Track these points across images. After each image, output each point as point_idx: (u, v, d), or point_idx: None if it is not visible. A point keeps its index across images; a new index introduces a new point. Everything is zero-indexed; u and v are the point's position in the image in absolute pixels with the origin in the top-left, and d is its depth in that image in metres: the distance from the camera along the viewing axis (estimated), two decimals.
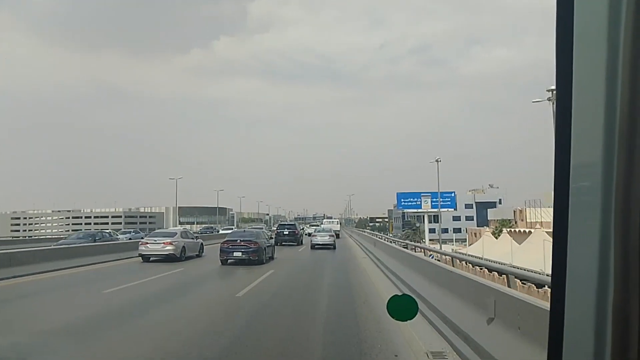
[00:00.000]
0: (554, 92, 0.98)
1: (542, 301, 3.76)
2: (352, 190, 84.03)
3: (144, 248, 15.55)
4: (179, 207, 65.84)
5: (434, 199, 49.00)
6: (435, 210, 48.32)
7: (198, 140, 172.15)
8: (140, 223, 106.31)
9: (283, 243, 26.20)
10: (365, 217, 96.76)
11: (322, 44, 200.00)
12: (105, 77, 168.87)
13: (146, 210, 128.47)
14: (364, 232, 43.30)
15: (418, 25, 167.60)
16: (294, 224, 31.21)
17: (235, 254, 14.46)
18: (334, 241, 24.71)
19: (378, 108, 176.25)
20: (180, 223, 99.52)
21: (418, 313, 2.15)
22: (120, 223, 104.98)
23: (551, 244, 0.99)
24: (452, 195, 52.43)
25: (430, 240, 48.65)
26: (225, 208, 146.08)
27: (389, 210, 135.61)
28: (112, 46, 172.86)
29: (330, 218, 75.30)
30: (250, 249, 14.47)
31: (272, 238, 19.47)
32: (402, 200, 55.00)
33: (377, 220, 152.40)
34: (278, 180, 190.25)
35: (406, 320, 2.11)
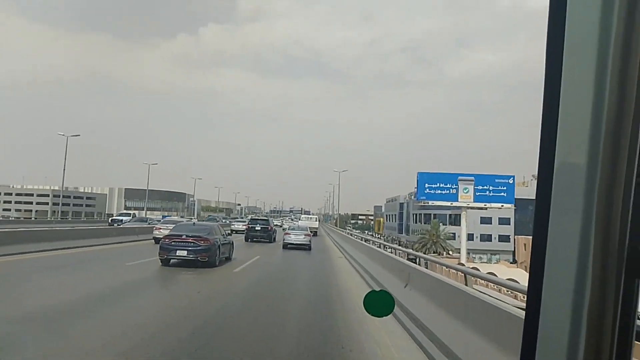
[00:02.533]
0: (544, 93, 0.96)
1: None
2: (333, 186, 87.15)
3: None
4: (125, 189, 64.87)
5: (482, 185, 37.12)
6: (481, 205, 37.63)
7: (179, 129, 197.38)
8: (75, 205, 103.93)
9: (254, 239, 28.99)
10: (346, 214, 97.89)
11: (312, 37, 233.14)
12: (88, 59, 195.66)
13: (86, 191, 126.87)
14: (343, 232, 39.78)
15: (408, 23, 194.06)
16: (267, 219, 32.91)
17: (179, 252, 14.09)
18: (310, 241, 25.43)
19: (365, 104, 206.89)
20: (127, 208, 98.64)
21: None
22: (47, 204, 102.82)
23: None
24: (510, 182, 38.46)
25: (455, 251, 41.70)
26: (185, 194, 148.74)
27: (375, 206, 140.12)
28: (98, 29, 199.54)
29: (309, 213, 78.92)
30: (199, 247, 14.09)
31: (230, 234, 19.18)
32: (427, 185, 39.65)
33: (360, 217, 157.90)
34: (260, 172, 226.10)
35: (382, 316, 2.34)
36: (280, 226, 46.68)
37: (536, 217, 1.08)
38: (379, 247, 20.36)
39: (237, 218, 57.34)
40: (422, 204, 44.91)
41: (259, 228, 29.94)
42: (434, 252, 49.50)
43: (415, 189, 79.00)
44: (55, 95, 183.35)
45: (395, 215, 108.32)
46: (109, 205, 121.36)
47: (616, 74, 0.97)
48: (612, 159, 0.98)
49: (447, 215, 72.25)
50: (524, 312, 1.12)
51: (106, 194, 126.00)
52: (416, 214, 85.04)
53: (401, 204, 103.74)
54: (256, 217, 36.79)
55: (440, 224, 65.27)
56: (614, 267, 0.99)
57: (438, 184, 39.01)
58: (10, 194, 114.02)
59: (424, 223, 76.31)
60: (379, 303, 2.34)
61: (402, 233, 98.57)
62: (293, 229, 27.08)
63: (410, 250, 22.06)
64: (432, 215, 74.02)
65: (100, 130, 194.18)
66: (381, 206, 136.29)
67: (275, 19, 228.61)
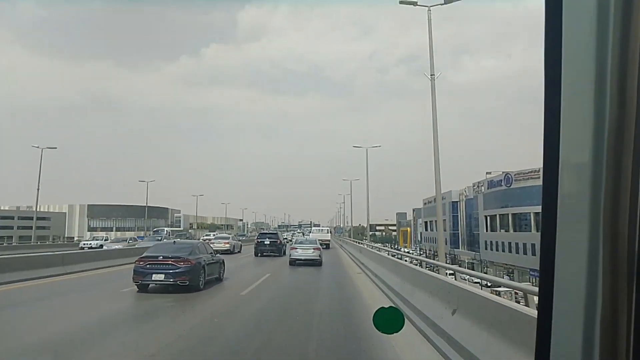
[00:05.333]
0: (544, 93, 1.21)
1: None
2: (342, 198, 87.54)
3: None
4: (88, 206, 66.33)
5: None
6: None
7: (181, 148, 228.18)
8: (20, 228, 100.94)
9: (264, 254, 33.78)
10: (360, 225, 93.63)
11: (312, 52, 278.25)
12: (93, 85, 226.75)
13: (42, 210, 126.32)
14: (363, 245, 37.44)
15: (406, 34, 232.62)
16: (276, 233, 39.60)
17: (155, 276, 14.49)
18: (320, 255, 26.61)
19: (368, 116, 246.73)
20: (91, 228, 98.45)
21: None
22: None
23: None
24: None
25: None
26: (167, 208, 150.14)
27: (397, 213, 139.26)
28: (100, 56, 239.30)
29: (319, 226, 79.51)
30: (178, 270, 14.49)
31: (218, 253, 19.71)
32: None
33: (378, 228, 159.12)
34: (265, 187, 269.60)
35: (392, 333, 2.68)
36: (289, 240, 48.44)
37: (543, 219, 1.28)
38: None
39: (214, 234, 55.16)
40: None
41: (268, 242, 34.93)
42: None
43: (487, 179, 74.11)
44: (54, 120, 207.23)
45: (444, 221, 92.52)
46: (68, 225, 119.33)
47: (615, 75, 1.15)
48: (617, 159, 1.16)
49: (531, 215, 64.30)
50: None
51: (65, 213, 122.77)
52: (490, 217, 74.77)
53: (454, 204, 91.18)
54: (265, 232, 44.51)
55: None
56: (624, 267, 1.15)
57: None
58: None
59: (505, 229, 68.48)
60: (389, 320, 2.72)
61: (458, 247, 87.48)
62: (301, 243, 28.19)
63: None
64: (511, 217, 66.44)
65: (90, 146, 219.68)
66: (405, 213, 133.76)
67: (276, 35, 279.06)
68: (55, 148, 57.16)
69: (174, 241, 18.72)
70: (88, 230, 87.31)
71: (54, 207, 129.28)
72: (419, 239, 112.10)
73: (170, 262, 14.71)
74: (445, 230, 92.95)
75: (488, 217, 75.18)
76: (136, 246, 33.27)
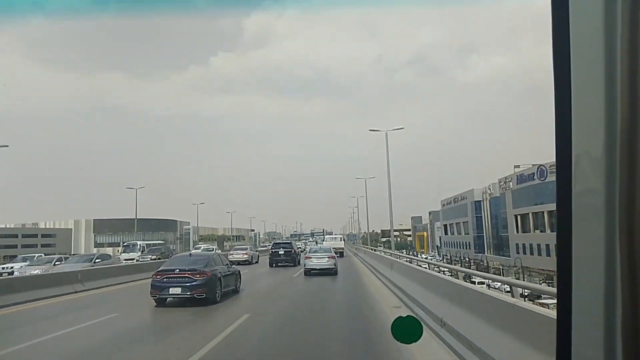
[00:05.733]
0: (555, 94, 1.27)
1: None
2: (356, 202, 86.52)
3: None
4: (94, 221, 66.60)
5: None
6: None
7: (184, 156, 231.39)
8: (24, 247, 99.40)
9: (278, 264, 34.94)
10: (373, 231, 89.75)
11: (319, 56, 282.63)
12: (99, 97, 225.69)
13: (46, 227, 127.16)
14: (379, 253, 36.70)
15: (414, 36, 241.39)
16: (290, 243, 40.99)
17: (172, 290, 14.86)
18: (335, 264, 26.88)
19: (377, 119, 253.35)
20: (98, 244, 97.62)
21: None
22: None
23: None
24: None
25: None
26: (176, 221, 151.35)
27: (412, 217, 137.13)
28: (108, 68, 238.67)
29: (331, 234, 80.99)
30: (195, 283, 14.84)
31: (234, 265, 20.21)
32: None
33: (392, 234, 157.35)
34: (276, 196, 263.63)
35: (411, 343, 2.73)
36: (302, 251, 49.24)
37: (558, 218, 1.31)
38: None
39: (235, 246, 57.84)
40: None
41: (282, 252, 35.92)
42: None
43: (515, 174, 67.48)
44: (61, 131, 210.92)
45: (466, 223, 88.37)
46: (75, 241, 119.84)
47: (626, 68, 1.17)
48: (631, 155, 1.17)
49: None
50: None
51: (71, 229, 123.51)
52: (521, 216, 67.28)
53: (477, 204, 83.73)
54: (279, 241, 45.20)
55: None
56: None
57: None
58: None
59: (541, 229, 60.92)
60: (407, 329, 2.80)
61: (483, 251, 79.60)
62: (315, 252, 28.56)
63: None
64: (547, 215, 58.36)
65: (93, 159, 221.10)
66: (420, 216, 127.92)
67: (282, 40, 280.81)
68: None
69: (190, 254, 19.11)
70: (95, 247, 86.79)
71: (60, 223, 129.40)
72: (438, 243, 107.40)
73: (186, 275, 15.09)
74: (468, 233, 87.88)
75: (518, 217, 68.22)
76: (55, 271, 24.63)
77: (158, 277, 15.31)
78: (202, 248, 54.84)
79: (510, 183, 71.22)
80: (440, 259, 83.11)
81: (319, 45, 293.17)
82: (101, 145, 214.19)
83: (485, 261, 72.30)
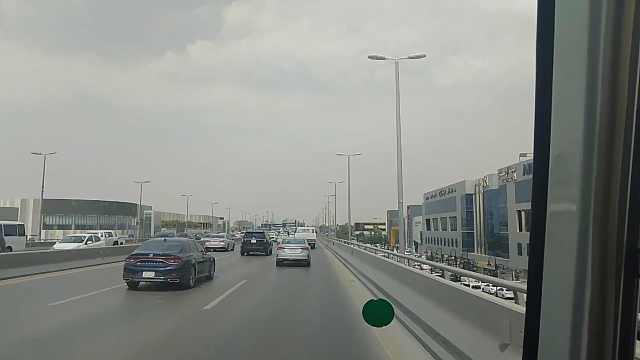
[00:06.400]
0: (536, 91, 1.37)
1: None
2: (328, 199, 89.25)
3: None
4: (43, 200, 64.25)
5: None
6: None
7: (167, 148, 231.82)
8: None
9: (250, 253, 36.41)
10: (346, 224, 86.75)
11: (300, 51, 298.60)
12: (73, 79, 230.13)
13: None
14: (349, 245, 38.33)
15: (395, 33, 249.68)
16: (263, 232, 42.30)
17: (145, 273, 15.53)
18: (308, 255, 27.67)
19: (357, 114, 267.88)
20: (47, 225, 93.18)
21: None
22: None
23: None
24: None
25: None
26: (135, 204, 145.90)
27: (389, 211, 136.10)
28: (84, 50, 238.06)
29: (303, 225, 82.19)
30: (169, 267, 15.52)
31: (209, 251, 21.12)
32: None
33: (367, 227, 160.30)
34: (249, 186, 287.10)
35: (382, 326, 2.86)
36: (275, 240, 50.51)
37: (533, 217, 1.35)
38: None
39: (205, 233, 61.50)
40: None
41: (255, 241, 37.47)
42: None
43: (521, 163, 59.17)
44: (36, 116, 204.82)
45: (453, 219, 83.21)
46: (21, 221, 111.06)
47: (607, 73, 1.21)
48: (607, 159, 1.22)
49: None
50: None
51: (17, 208, 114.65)
52: (525, 212, 59.75)
53: (467, 197, 78.93)
54: (251, 231, 47.96)
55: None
56: (612, 266, 1.23)
57: None
58: None
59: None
60: (379, 312, 2.86)
61: (472, 250, 75.81)
62: (288, 243, 29.43)
63: None
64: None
65: (71, 146, 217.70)
66: (397, 211, 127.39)
67: (264, 32, 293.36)
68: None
69: (164, 239, 19.86)
70: (43, 229, 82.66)
71: (4, 201, 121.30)
72: (419, 239, 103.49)
73: (160, 259, 15.77)
74: (455, 229, 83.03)
75: (522, 212, 61.84)
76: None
77: (132, 260, 15.96)
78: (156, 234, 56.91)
79: (514, 174, 64.59)
80: (419, 255, 78.20)
81: (300, 39, 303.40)
82: (68, 129, 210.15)
83: (471, 260, 68.75)
